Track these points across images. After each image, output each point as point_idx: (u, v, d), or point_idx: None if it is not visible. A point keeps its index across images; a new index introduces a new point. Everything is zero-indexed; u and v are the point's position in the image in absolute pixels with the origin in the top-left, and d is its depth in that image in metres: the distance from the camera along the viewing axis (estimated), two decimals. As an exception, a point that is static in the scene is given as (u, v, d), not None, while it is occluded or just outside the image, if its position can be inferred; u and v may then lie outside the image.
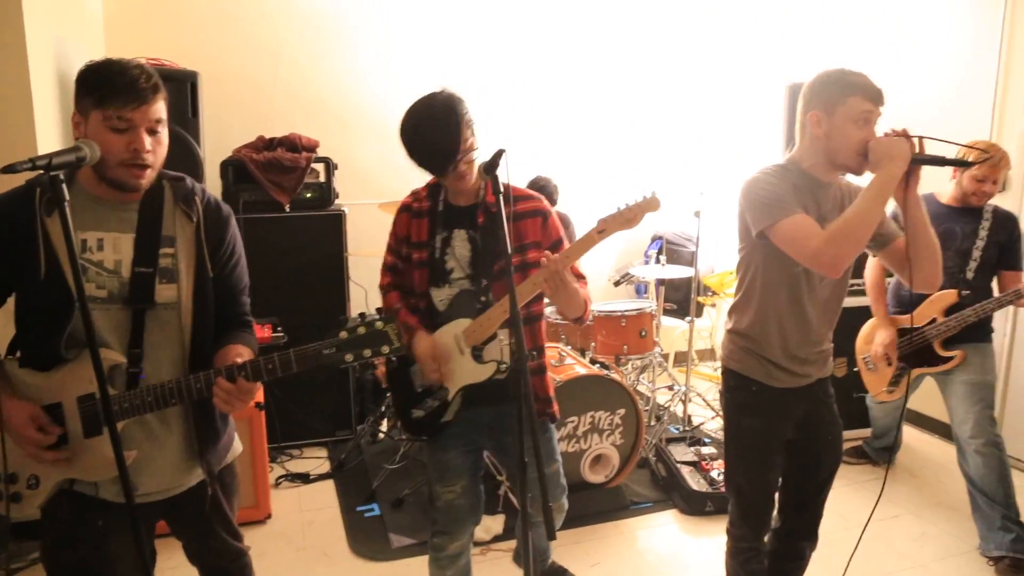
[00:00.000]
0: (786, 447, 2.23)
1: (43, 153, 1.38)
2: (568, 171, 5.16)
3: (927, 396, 3.67)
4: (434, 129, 1.98)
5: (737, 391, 2.23)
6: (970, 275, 3.15)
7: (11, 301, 1.67)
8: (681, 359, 5.23)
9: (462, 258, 2.14)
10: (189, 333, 1.69)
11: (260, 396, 3.34)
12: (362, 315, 1.63)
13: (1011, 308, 3.41)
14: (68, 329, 1.57)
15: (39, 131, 2.86)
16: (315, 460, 4.10)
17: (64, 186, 1.38)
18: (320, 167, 4.15)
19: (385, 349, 1.60)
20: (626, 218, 1.98)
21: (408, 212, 2.23)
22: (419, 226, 2.19)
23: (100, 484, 1.66)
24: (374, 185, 4.74)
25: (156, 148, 1.60)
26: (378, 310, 1.60)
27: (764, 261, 2.11)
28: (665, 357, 5.07)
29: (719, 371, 2.36)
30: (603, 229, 2.00)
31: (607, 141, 5.47)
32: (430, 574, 2.41)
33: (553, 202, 4.21)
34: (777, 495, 2.31)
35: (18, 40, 2.76)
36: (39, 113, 2.88)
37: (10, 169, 1.34)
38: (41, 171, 1.36)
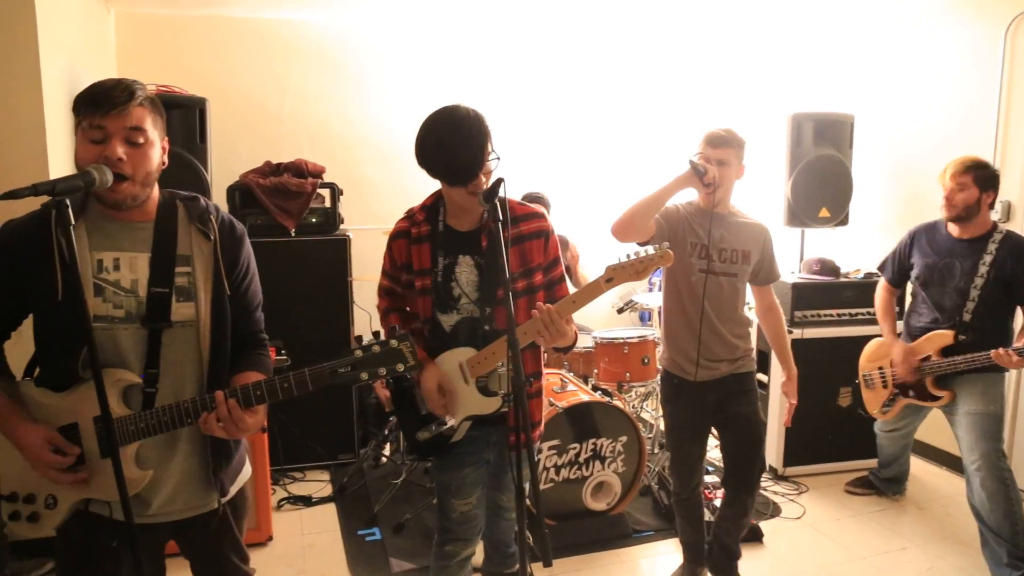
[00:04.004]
0: (715, 425, 2.89)
1: (51, 179, 1.40)
2: (567, 193, 5.19)
3: (935, 427, 3.64)
4: (460, 137, 1.95)
5: (664, 383, 2.92)
6: (967, 316, 3.04)
7: (27, 322, 1.68)
8: (685, 386, 5.20)
9: (468, 284, 2.11)
10: (207, 351, 1.69)
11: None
12: (376, 334, 1.62)
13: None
14: (84, 350, 1.57)
15: (51, 157, 2.91)
16: (317, 483, 4.09)
17: (70, 211, 1.40)
18: (326, 192, 4.19)
19: (400, 367, 1.58)
20: (636, 270, 1.97)
21: (406, 238, 2.16)
22: (420, 252, 2.14)
23: (114, 505, 1.64)
24: (379, 210, 4.78)
25: (137, 160, 1.57)
26: (375, 333, 1.59)
27: (664, 272, 2.77)
28: (669, 384, 5.05)
29: None
30: (611, 278, 1.99)
31: (609, 166, 5.51)
32: None
33: (547, 208, 4.26)
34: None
35: (32, 68, 2.83)
36: (51, 139, 2.94)
37: (12, 195, 1.36)
38: (47, 197, 1.38)
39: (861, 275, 4.18)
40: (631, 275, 1.97)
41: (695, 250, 2.66)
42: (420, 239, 2.15)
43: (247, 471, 1.92)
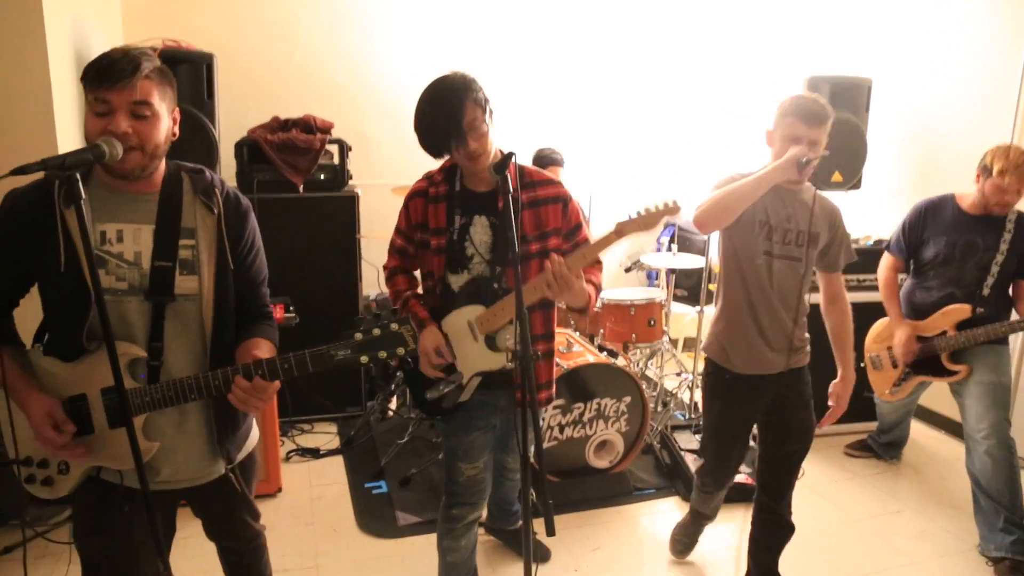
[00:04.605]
0: (761, 422, 2.60)
1: (61, 150, 1.39)
2: (584, 156, 5.14)
3: (936, 392, 3.66)
4: (433, 110, 2.00)
5: (711, 376, 2.61)
6: (986, 291, 3.06)
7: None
8: (690, 344, 5.24)
9: (482, 244, 2.16)
10: (210, 325, 1.70)
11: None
12: (377, 316, 1.63)
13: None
14: (88, 322, 1.59)
15: (57, 116, 2.86)
16: (325, 435, 4.17)
17: (80, 185, 1.40)
18: (334, 148, 4.16)
19: (400, 351, 1.60)
20: (645, 222, 1.97)
21: (424, 197, 2.20)
22: (436, 211, 2.18)
23: (125, 472, 1.68)
24: (387, 167, 4.75)
25: (143, 131, 1.55)
26: (375, 315, 1.61)
27: (724, 252, 2.49)
28: (674, 343, 5.09)
29: None
30: (621, 231, 1.99)
31: (624, 128, 5.43)
32: (444, 547, 2.42)
33: (561, 165, 4.24)
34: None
35: (37, 23, 2.77)
36: (57, 97, 2.88)
37: (22, 171, 1.35)
38: (57, 171, 1.38)
39: (871, 242, 4.16)
40: (640, 227, 1.98)
41: (763, 230, 2.39)
42: (437, 199, 2.19)
43: (254, 437, 1.96)
